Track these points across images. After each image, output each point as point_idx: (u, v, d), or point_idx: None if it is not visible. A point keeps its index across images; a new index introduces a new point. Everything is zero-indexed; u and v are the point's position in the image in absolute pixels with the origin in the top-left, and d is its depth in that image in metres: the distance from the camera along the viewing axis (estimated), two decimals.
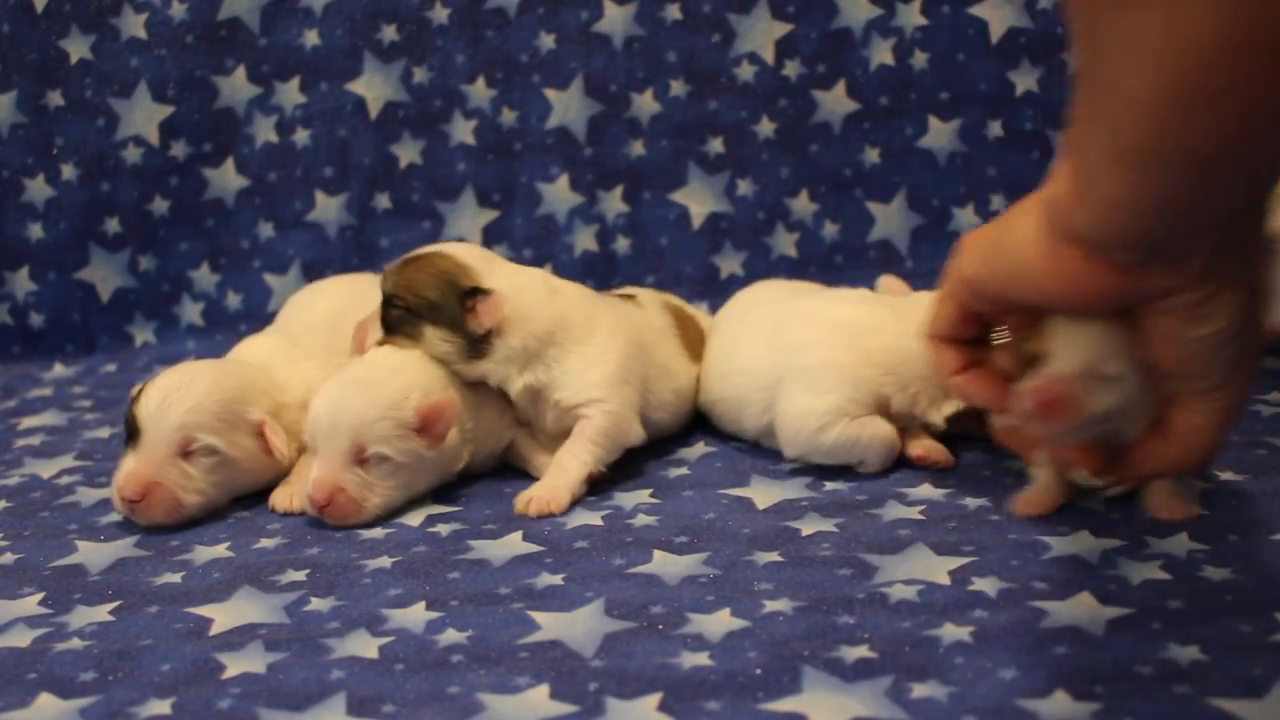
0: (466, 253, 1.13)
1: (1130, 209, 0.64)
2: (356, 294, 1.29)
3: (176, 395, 1.07)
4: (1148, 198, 0.62)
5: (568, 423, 1.10)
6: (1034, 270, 0.72)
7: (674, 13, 1.67)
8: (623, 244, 1.68)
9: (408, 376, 1.07)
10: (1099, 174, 0.63)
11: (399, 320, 1.10)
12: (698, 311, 1.38)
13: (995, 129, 1.62)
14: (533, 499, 1.04)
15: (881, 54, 1.64)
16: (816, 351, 1.08)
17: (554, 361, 1.10)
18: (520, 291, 1.10)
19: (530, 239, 1.68)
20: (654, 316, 1.23)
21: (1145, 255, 0.68)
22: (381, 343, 1.11)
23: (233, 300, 1.72)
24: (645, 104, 1.67)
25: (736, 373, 1.15)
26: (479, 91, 1.69)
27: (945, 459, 1.07)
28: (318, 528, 1.03)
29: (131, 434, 1.07)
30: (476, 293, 1.07)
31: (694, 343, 1.24)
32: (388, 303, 1.11)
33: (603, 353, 1.11)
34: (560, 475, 1.07)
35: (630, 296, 1.28)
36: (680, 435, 1.22)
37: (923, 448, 1.07)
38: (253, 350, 1.22)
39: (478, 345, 1.08)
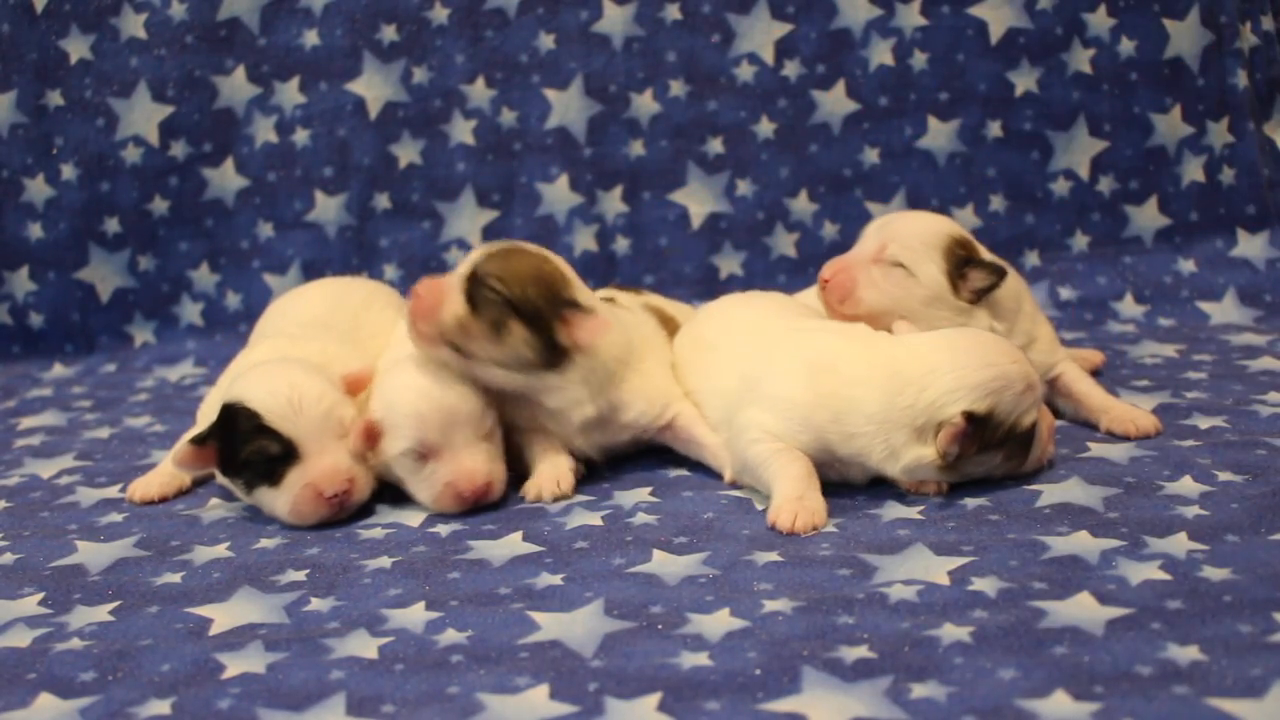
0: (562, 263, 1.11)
1: None
2: (341, 296, 1.30)
3: None
4: None
5: (645, 437, 1.13)
6: None
7: (673, 13, 1.67)
8: (622, 244, 1.68)
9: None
10: None
11: (488, 303, 1.04)
12: (677, 308, 1.34)
13: (994, 129, 1.62)
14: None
15: (881, 54, 1.64)
16: (778, 383, 1.05)
17: (621, 382, 1.11)
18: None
19: (530, 239, 1.66)
20: (643, 322, 1.21)
21: None
22: (459, 323, 1.04)
23: (232, 300, 1.72)
24: (645, 104, 1.67)
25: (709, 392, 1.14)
26: (479, 91, 1.69)
27: (936, 488, 1.02)
28: (318, 527, 1.03)
29: None
30: (575, 305, 1.04)
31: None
32: (479, 284, 1.05)
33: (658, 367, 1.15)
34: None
35: (610, 299, 1.26)
36: None
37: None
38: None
39: (555, 359, 1.06)
